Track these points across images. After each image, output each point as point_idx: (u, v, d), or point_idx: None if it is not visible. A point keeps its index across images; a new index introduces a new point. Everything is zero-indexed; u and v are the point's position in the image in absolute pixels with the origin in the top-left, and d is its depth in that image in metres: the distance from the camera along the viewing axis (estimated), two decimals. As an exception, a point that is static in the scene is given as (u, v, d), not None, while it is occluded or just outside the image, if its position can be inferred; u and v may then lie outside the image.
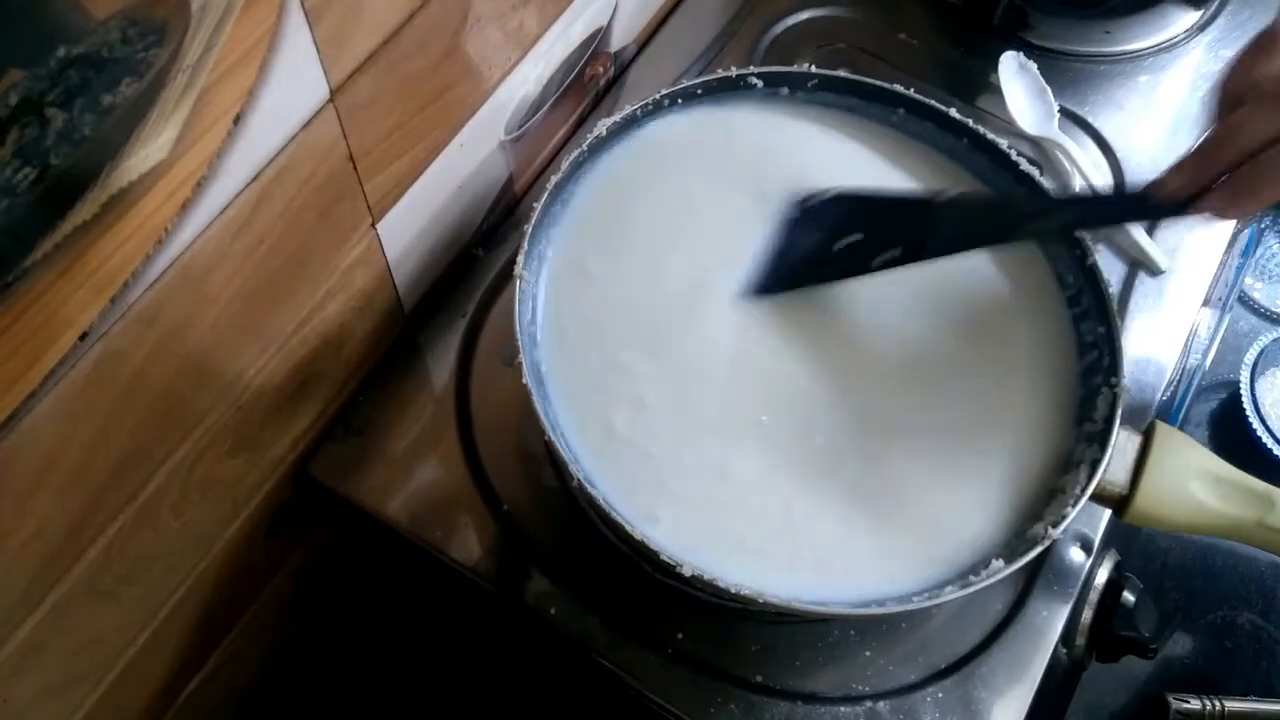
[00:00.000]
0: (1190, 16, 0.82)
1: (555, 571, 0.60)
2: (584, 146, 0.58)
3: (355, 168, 0.52)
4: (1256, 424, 0.95)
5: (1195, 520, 0.54)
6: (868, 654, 0.58)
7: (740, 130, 0.63)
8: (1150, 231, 0.72)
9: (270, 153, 0.46)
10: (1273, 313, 1.05)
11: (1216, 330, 0.96)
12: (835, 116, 0.64)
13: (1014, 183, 0.61)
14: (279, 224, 0.49)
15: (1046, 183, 0.60)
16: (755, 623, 0.58)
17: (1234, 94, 0.49)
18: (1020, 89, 0.75)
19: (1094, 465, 0.53)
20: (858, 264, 0.57)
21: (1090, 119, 0.77)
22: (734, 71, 0.62)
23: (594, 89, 0.76)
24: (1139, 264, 0.71)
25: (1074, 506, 0.52)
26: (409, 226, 0.61)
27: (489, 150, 0.65)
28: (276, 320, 0.54)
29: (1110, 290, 0.57)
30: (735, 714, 0.56)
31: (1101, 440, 0.53)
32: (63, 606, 0.48)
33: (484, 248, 0.70)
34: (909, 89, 0.62)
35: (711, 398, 0.56)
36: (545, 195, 0.56)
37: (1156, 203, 0.52)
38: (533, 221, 0.56)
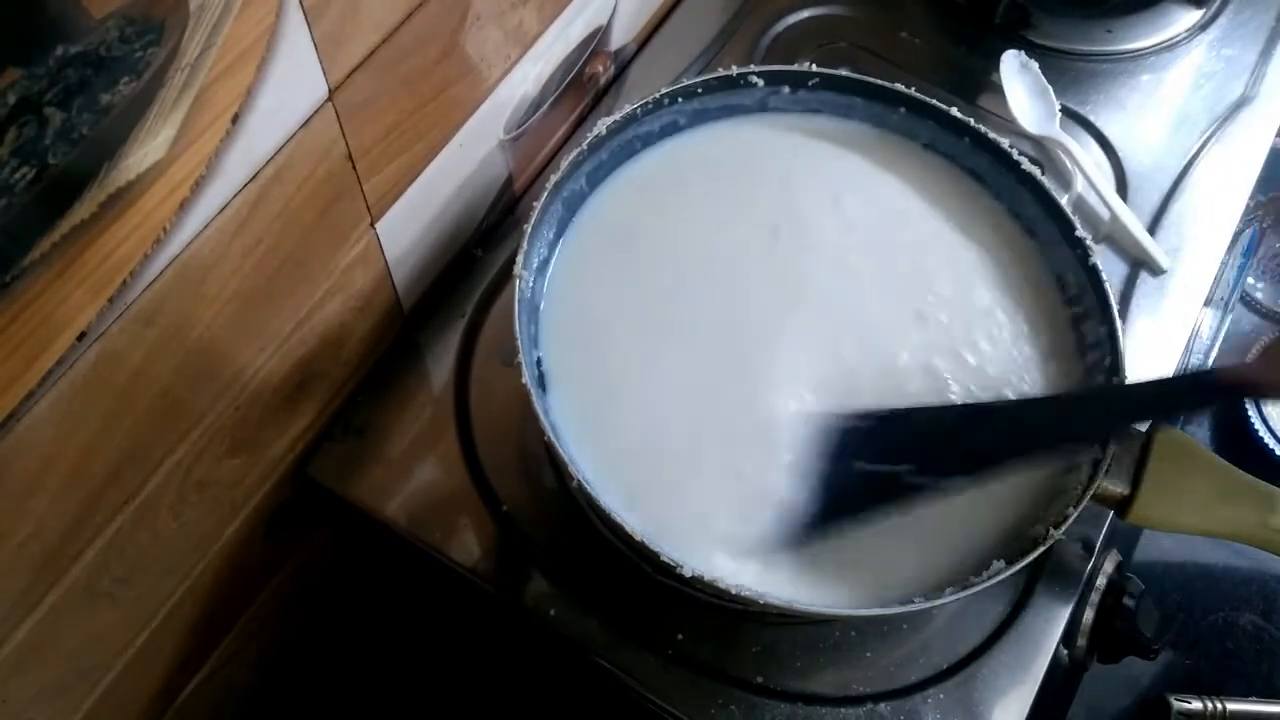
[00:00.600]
0: (1192, 15, 0.82)
1: (555, 572, 0.59)
2: (584, 146, 0.58)
3: (354, 167, 0.52)
4: (1258, 424, 0.95)
5: (1196, 521, 0.54)
6: (869, 655, 0.58)
7: (745, 141, 0.63)
8: (1152, 231, 0.72)
9: (269, 152, 0.46)
10: (1274, 313, 1.05)
11: (1218, 330, 0.95)
12: (834, 118, 0.64)
13: (1015, 183, 0.61)
14: (277, 223, 0.49)
15: (1048, 182, 0.60)
16: (756, 624, 0.58)
17: None
18: (1022, 88, 0.75)
19: (1095, 466, 0.53)
20: (904, 490, 0.53)
21: (1092, 118, 0.77)
22: (734, 70, 0.62)
23: (594, 88, 0.76)
24: (1140, 264, 0.71)
25: (1075, 507, 0.51)
26: (408, 226, 0.61)
27: (488, 149, 0.65)
28: (275, 320, 0.54)
29: (1111, 290, 0.57)
30: (736, 715, 0.56)
31: (1103, 441, 0.53)
32: (61, 607, 0.48)
33: (483, 247, 0.70)
34: (910, 88, 0.62)
35: (713, 400, 0.56)
36: (545, 195, 0.56)
37: (1232, 384, 0.49)
38: (533, 221, 0.56)
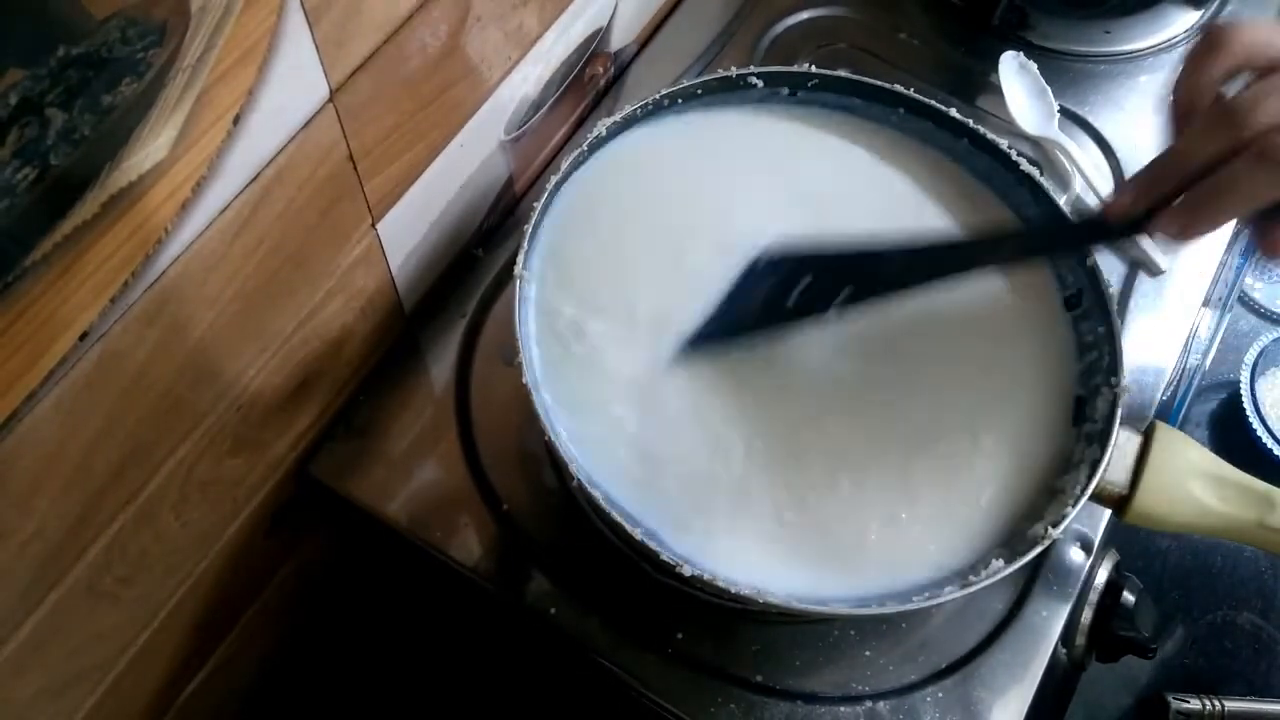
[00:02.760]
0: (1190, 16, 0.82)
1: (555, 571, 0.60)
2: (584, 146, 0.58)
3: (355, 168, 0.52)
4: (1256, 424, 0.95)
5: (1195, 520, 0.54)
6: (868, 654, 0.58)
7: (740, 135, 0.63)
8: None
9: (270, 153, 0.46)
10: (1273, 313, 1.05)
11: (1216, 330, 0.96)
12: (833, 118, 0.64)
13: (1015, 183, 0.61)
14: (279, 224, 0.49)
15: (1047, 182, 0.60)
16: (755, 623, 0.58)
17: (1185, 105, 0.47)
18: (1020, 89, 0.75)
19: (1094, 465, 0.53)
20: (813, 307, 0.55)
21: (1090, 119, 0.77)
22: (734, 71, 0.62)
23: (594, 89, 0.76)
24: (1139, 264, 0.71)
25: (1074, 506, 0.52)
26: (409, 226, 0.61)
27: (489, 150, 0.65)
28: (277, 320, 0.54)
29: (1110, 290, 0.57)
30: (735, 714, 0.56)
31: (1101, 440, 0.53)
32: (63, 606, 0.48)
33: (484, 248, 0.70)
34: (909, 89, 0.62)
35: (713, 399, 0.56)
36: (545, 195, 0.56)
37: (1109, 225, 0.51)
38: (533, 221, 0.56)
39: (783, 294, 0.56)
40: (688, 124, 0.63)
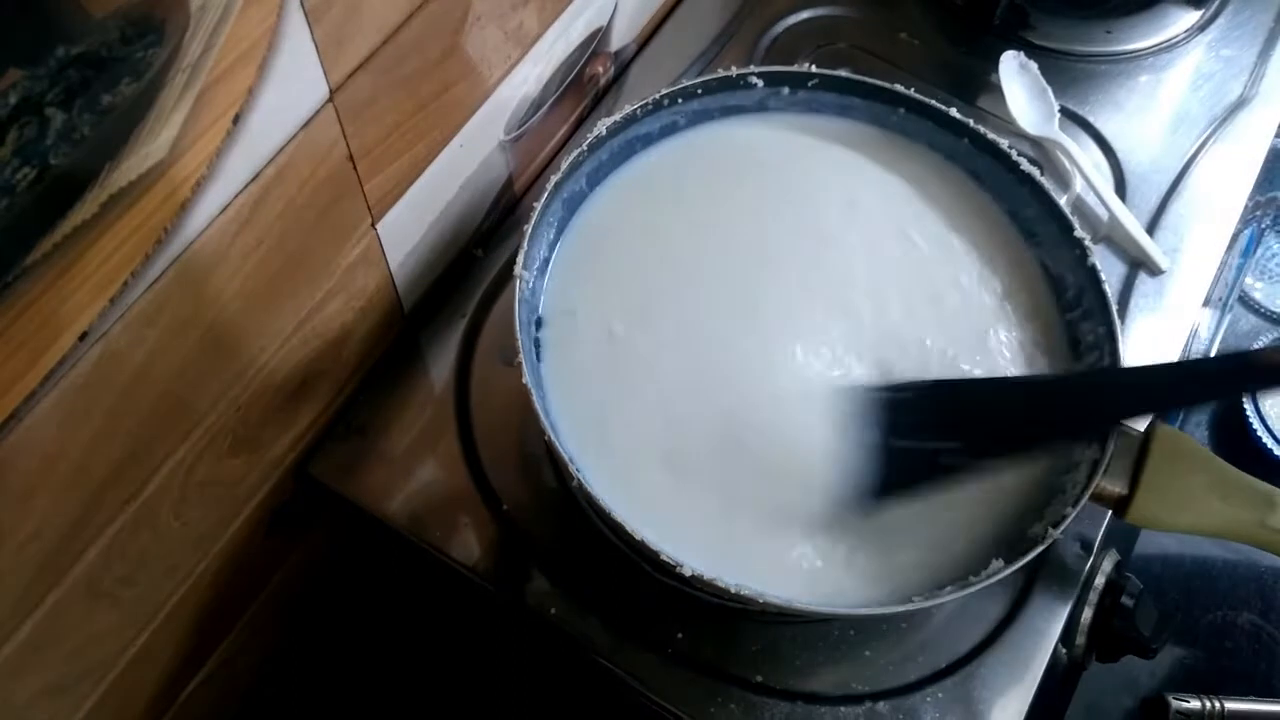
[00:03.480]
0: (1191, 16, 0.82)
1: (555, 571, 0.60)
2: (584, 146, 0.58)
3: (355, 167, 0.52)
4: (1257, 424, 0.95)
5: (1195, 521, 0.54)
6: (868, 654, 0.58)
7: (744, 141, 0.63)
8: (1151, 231, 0.72)
9: (270, 152, 0.46)
10: (1273, 313, 1.05)
11: (1217, 330, 0.96)
12: (834, 123, 0.65)
13: (1014, 183, 0.61)
14: (279, 224, 0.49)
15: (1047, 182, 0.60)
16: (755, 622, 0.58)
17: None
18: (1021, 89, 0.75)
19: (1094, 465, 0.53)
20: (955, 468, 0.53)
21: (1091, 119, 0.77)
22: (734, 71, 0.62)
23: (594, 89, 0.76)
24: (1139, 264, 0.71)
25: (1074, 507, 0.52)
26: (409, 226, 0.61)
27: (489, 150, 0.65)
28: (277, 320, 0.54)
29: (1110, 290, 0.57)
30: (735, 713, 0.56)
31: (1101, 440, 0.53)
32: (62, 607, 0.48)
33: (484, 248, 0.70)
34: (909, 89, 0.62)
35: (713, 399, 0.56)
36: (545, 195, 0.56)
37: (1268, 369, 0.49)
38: (533, 221, 0.56)
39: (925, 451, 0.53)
40: (687, 141, 0.63)
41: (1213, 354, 0.97)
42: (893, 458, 0.54)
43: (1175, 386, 0.56)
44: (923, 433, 0.54)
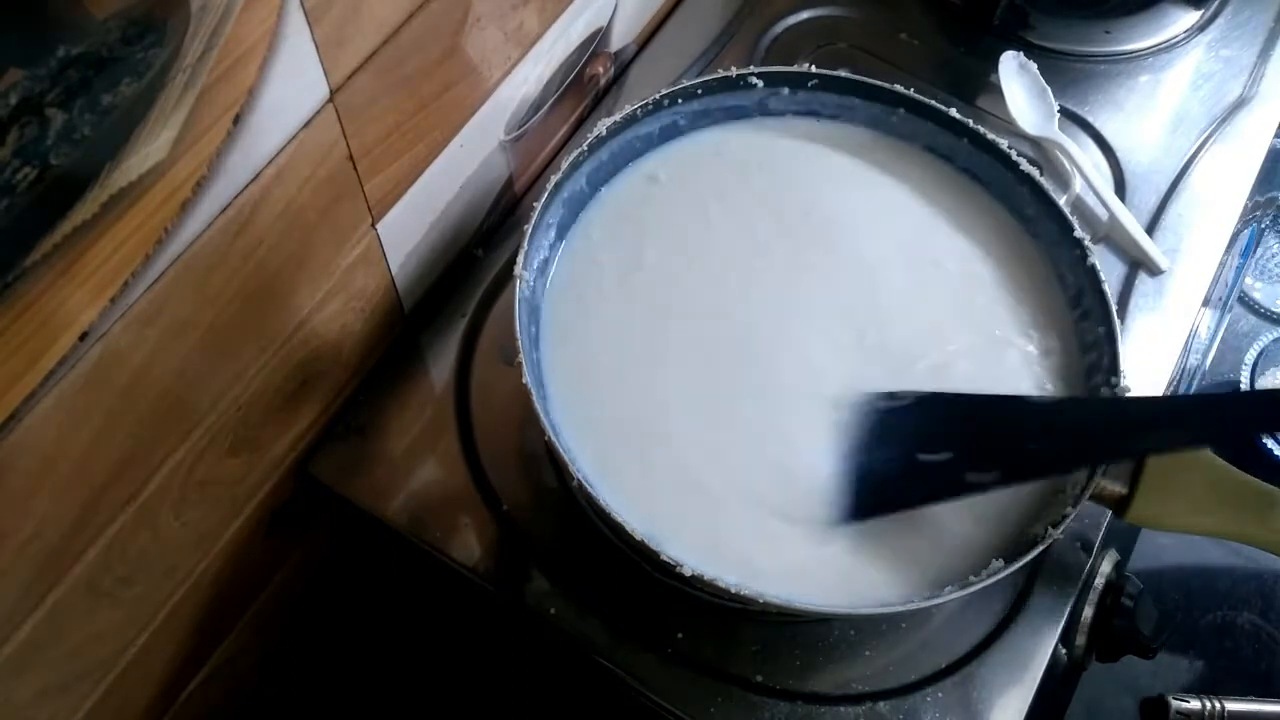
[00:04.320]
0: (1190, 16, 0.82)
1: (555, 571, 0.60)
2: (584, 146, 0.58)
3: (355, 168, 0.52)
4: (1256, 424, 0.95)
5: (1195, 521, 0.54)
6: (868, 654, 0.58)
7: (745, 141, 0.63)
8: (1150, 231, 0.72)
9: (270, 153, 0.46)
10: (1273, 313, 1.05)
11: (1216, 330, 0.96)
12: (834, 123, 0.65)
13: (1014, 183, 0.61)
14: (279, 224, 0.49)
15: (1047, 182, 0.60)
16: (755, 623, 0.58)
17: None
18: (1020, 89, 0.75)
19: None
20: (949, 484, 0.53)
21: (1090, 119, 0.77)
22: (734, 71, 0.62)
23: (594, 89, 0.76)
24: (1139, 264, 0.71)
25: (1074, 506, 0.52)
26: (409, 226, 0.61)
27: (489, 150, 0.65)
28: (277, 320, 0.54)
29: (1110, 290, 0.57)
30: (735, 713, 0.56)
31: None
32: (62, 607, 0.48)
33: (484, 248, 0.70)
34: (909, 89, 0.62)
35: (714, 400, 0.56)
36: (545, 195, 0.57)
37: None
38: (533, 221, 0.56)
39: (912, 460, 0.53)
40: (682, 149, 0.63)
41: (1212, 354, 0.97)
42: (890, 467, 0.54)
43: (1184, 425, 0.54)
44: (920, 443, 0.54)
